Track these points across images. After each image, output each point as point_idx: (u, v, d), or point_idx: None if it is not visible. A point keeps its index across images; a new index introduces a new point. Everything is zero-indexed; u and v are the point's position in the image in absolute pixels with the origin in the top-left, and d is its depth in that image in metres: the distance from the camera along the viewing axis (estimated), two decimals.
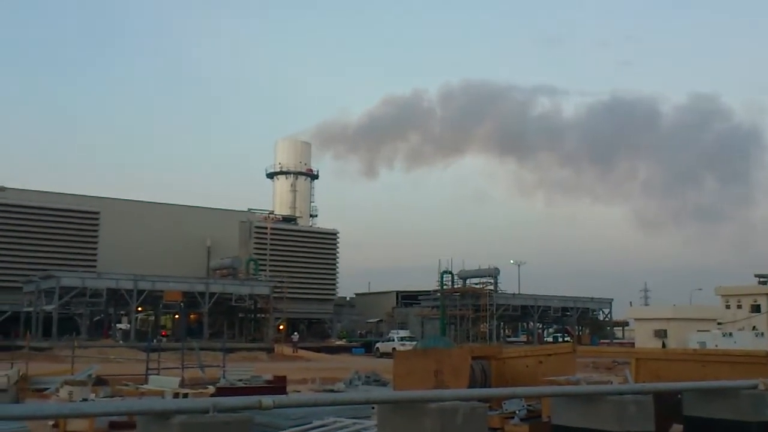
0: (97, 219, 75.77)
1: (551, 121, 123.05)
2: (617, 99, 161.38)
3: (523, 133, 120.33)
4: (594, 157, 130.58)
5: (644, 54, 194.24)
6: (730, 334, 59.31)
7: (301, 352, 61.16)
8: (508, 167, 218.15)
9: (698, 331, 62.38)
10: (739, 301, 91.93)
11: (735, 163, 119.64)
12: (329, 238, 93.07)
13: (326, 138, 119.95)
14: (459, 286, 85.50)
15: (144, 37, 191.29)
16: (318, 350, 65.36)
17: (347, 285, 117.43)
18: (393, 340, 63.59)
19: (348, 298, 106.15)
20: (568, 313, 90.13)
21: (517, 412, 15.69)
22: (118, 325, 70.94)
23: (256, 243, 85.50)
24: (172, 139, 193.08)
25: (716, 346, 45.53)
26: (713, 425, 9.98)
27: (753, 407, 9.76)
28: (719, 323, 77.43)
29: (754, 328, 74.38)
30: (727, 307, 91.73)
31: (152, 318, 75.50)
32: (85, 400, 16.27)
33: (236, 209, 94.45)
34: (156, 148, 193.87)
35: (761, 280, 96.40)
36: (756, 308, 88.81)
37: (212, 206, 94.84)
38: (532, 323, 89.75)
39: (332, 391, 22.24)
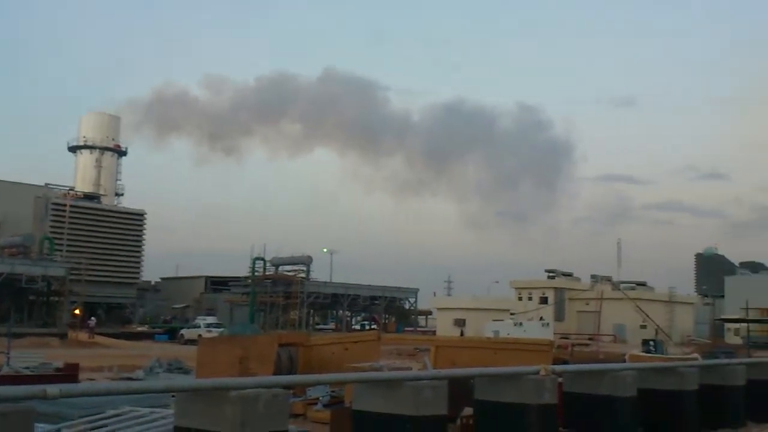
0: None
1: (380, 117, 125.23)
2: (447, 102, 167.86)
3: (344, 123, 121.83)
4: (409, 153, 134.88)
5: (473, 61, 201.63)
6: (521, 324, 63.60)
7: (99, 339, 58.12)
8: (323, 156, 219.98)
9: (493, 320, 66.29)
10: (530, 294, 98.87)
11: (546, 171, 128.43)
12: (135, 218, 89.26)
13: (147, 115, 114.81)
14: (271, 273, 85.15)
15: None
16: (118, 336, 62.46)
17: (155, 268, 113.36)
18: (199, 327, 62.29)
19: (153, 283, 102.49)
20: (377, 302, 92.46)
21: (320, 398, 15.97)
22: None
23: (52, 221, 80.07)
24: None
25: (508, 334, 48.63)
26: (499, 408, 10.67)
27: (535, 391, 10.55)
28: (512, 313, 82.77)
29: (541, 318, 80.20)
30: (520, 298, 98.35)
31: None
32: None
33: (32, 183, 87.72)
34: None
35: (550, 275, 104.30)
36: (544, 300, 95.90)
37: (3, 178, 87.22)
38: (341, 311, 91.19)
39: (130, 379, 21.40)
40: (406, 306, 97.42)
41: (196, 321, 68.49)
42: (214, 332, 52.72)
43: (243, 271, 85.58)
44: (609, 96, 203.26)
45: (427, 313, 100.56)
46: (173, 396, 10.88)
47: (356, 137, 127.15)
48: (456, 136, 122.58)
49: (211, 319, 68.66)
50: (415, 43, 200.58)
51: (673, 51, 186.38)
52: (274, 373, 15.92)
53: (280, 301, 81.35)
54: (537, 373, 10.81)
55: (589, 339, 64.90)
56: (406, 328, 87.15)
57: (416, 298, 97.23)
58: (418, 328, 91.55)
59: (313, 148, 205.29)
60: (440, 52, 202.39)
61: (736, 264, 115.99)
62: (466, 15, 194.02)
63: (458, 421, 12.46)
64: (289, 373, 17.04)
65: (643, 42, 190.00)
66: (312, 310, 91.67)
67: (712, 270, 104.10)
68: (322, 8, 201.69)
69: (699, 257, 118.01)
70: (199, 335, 50.50)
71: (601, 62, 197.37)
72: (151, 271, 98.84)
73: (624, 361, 21.97)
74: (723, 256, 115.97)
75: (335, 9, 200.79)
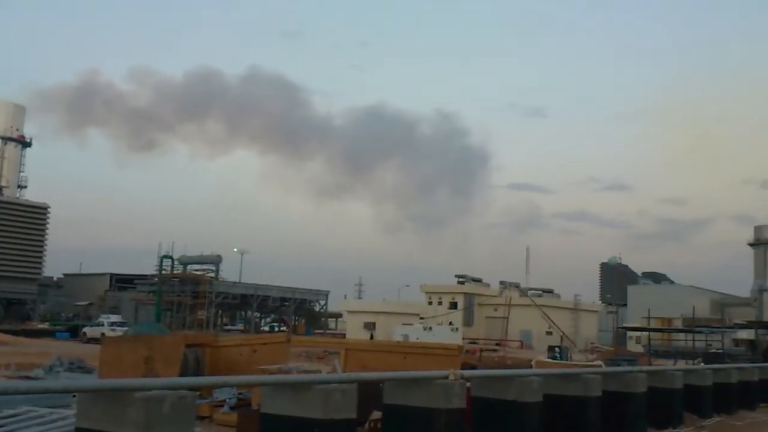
0: None
1: (300, 119, 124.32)
2: (366, 107, 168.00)
3: (264, 124, 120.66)
4: (328, 156, 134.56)
5: (391, 66, 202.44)
6: (430, 328, 64.46)
7: None
8: (243, 157, 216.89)
9: (403, 324, 66.87)
10: (440, 299, 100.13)
11: (461, 178, 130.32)
12: (38, 212, 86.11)
13: (59, 105, 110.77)
14: (179, 271, 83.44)
15: None
16: (16, 333, 59.94)
17: (58, 264, 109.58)
18: (103, 325, 60.63)
19: (56, 279, 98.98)
20: (287, 304, 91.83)
21: (227, 400, 15.69)
22: None
23: None
24: None
25: (417, 338, 49.11)
26: (408, 412, 10.70)
27: (443, 395, 10.62)
28: (422, 318, 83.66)
29: (450, 323, 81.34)
30: (430, 303, 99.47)
31: None
32: None
33: None
34: None
35: (460, 280, 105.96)
36: (454, 305, 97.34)
37: None
38: (250, 312, 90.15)
39: (29, 378, 20.54)
40: (317, 308, 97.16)
41: (100, 319, 66.51)
42: (119, 331, 51.29)
43: (150, 269, 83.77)
44: (521, 106, 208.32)
45: (338, 315, 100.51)
46: (74, 396, 10.50)
47: (275, 138, 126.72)
48: (375, 140, 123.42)
49: (115, 318, 66.85)
50: (333, 45, 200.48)
51: (580, 64, 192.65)
52: (181, 375, 15.57)
53: (187, 300, 79.85)
54: (446, 377, 10.89)
55: (497, 344, 66.30)
56: (316, 331, 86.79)
57: (327, 301, 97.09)
58: (328, 331, 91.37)
59: (233, 148, 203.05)
60: (357, 55, 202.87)
61: (639, 274, 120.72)
62: (382, 18, 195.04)
63: (367, 425, 12.44)
64: (196, 374, 16.71)
65: (553, 54, 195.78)
66: (220, 311, 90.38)
67: (615, 279, 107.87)
68: (245, 7, 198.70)
69: (604, 266, 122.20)
70: (103, 334, 49.28)
71: (514, 72, 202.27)
72: (53, 267, 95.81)
73: (531, 367, 22.46)
74: (627, 266, 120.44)
75: (256, 8, 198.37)
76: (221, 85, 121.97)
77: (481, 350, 50.38)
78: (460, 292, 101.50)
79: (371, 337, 69.22)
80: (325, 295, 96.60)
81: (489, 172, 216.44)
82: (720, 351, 47.23)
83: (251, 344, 19.41)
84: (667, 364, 35.73)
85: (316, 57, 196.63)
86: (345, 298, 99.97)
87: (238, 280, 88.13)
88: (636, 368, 20.77)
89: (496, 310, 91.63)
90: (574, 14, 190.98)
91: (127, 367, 15.68)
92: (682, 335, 55.65)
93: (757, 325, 52.49)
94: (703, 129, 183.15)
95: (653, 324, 59.39)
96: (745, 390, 22.01)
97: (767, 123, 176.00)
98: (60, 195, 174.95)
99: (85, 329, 62.49)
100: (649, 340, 55.08)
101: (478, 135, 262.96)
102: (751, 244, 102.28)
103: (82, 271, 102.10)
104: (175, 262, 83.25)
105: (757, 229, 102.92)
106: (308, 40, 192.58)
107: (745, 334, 56.51)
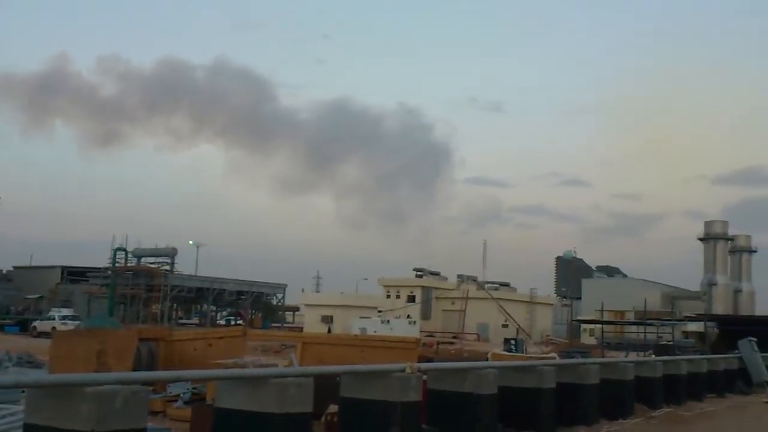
0: None
1: (264, 112, 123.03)
2: (330, 101, 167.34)
3: (226, 117, 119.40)
4: (290, 149, 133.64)
5: (353, 60, 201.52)
6: (388, 321, 64.64)
7: None
8: (203, 150, 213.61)
9: (361, 317, 66.91)
10: (398, 292, 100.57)
11: (422, 172, 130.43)
12: None
13: (14, 93, 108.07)
14: (133, 264, 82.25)
15: None
16: None
17: (7, 256, 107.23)
18: (54, 319, 59.46)
19: (5, 271, 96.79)
20: (243, 297, 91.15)
21: (181, 395, 15.52)
22: None
23: None
24: None
25: (375, 332, 49.19)
26: (365, 405, 10.70)
27: (400, 388, 10.65)
28: (380, 311, 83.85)
29: (408, 316, 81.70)
30: (388, 296, 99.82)
31: None
32: None
33: None
34: None
35: (418, 274, 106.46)
36: (412, 298, 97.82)
37: None
38: (206, 305, 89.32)
39: None
40: (274, 302, 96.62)
41: (51, 313, 65.22)
42: (70, 325, 50.36)
43: (104, 262, 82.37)
44: (481, 101, 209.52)
45: (295, 309, 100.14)
46: (23, 392, 10.27)
47: (238, 130, 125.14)
48: (339, 135, 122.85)
49: (66, 311, 65.57)
50: (296, 37, 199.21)
51: (539, 59, 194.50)
52: (134, 369, 15.36)
53: (141, 294, 78.74)
54: (403, 370, 10.92)
55: (454, 337, 66.77)
56: (273, 324, 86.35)
57: (284, 294, 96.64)
58: (285, 325, 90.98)
59: (196, 141, 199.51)
60: (320, 48, 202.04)
61: (593, 268, 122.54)
62: (343, 10, 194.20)
63: (323, 419, 12.42)
64: (150, 369, 16.50)
65: (512, 49, 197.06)
66: (175, 304, 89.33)
67: (571, 273, 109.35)
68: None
69: (559, 260, 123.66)
70: (54, 328, 48.46)
71: (474, 67, 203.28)
72: (2, 259, 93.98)
73: (486, 360, 22.64)
74: (581, 260, 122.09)
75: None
76: (184, 77, 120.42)
77: (438, 343, 50.68)
78: (417, 286, 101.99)
79: (329, 331, 69.14)
80: (283, 288, 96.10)
81: (451, 167, 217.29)
82: (670, 343, 48.20)
83: (206, 338, 19.23)
84: (619, 356, 36.35)
85: (280, 49, 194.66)
86: (303, 291, 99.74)
87: (194, 273, 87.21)
88: (589, 360, 21.12)
89: (453, 303, 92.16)
90: (533, 9, 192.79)
91: (79, 361, 15.40)
92: (634, 328, 56.68)
93: (706, 317, 53.63)
94: (657, 125, 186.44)
95: (606, 317, 60.30)
96: (693, 381, 22.52)
97: (719, 120, 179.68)
98: (11, 185, 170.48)
99: (36, 323, 61.31)
100: (602, 332, 55.94)
101: (441, 130, 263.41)
102: (701, 239, 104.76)
103: (33, 264, 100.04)
104: (129, 255, 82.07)
105: (707, 224, 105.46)
106: (272, 32, 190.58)
107: (694, 327, 57.72)
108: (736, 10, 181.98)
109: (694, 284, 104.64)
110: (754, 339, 29.67)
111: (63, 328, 43.69)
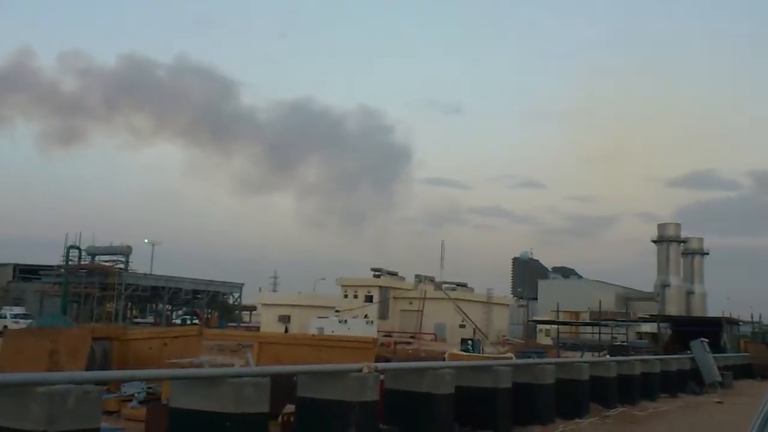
0: None
1: (225, 111, 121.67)
2: (290, 101, 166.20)
3: (187, 115, 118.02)
4: (251, 149, 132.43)
5: (313, 60, 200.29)
6: (346, 321, 64.44)
7: None
8: (163, 149, 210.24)
9: (318, 317, 66.62)
10: (356, 292, 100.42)
11: (382, 173, 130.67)
12: None
13: None
14: (87, 262, 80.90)
15: None
16: None
17: None
18: (5, 318, 58.31)
19: None
20: (199, 296, 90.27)
21: (136, 395, 15.32)
22: None
23: None
24: None
25: (332, 331, 49.04)
26: (322, 405, 10.67)
27: (357, 388, 10.64)
28: (337, 311, 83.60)
29: (366, 316, 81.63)
30: (346, 296, 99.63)
31: None
32: None
33: None
34: None
35: (376, 273, 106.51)
36: (369, 298, 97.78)
37: None
38: (161, 305, 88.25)
39: None
40: (231, 301, 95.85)
41: (2, 311, 63.85)
42: (22, 323, 49.40)
43: (56, 260, 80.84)
44: (441, 103, 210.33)
45: (252, 308, 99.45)
46: None
47: (198, 129, 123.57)
48: (299, 135, 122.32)
49: (18, 310, 64.39)
50: (257, 35, 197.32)
51: (496, 62, 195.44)
52: (87, 369, 15.11)
53: (95, 292, 77.52)
54: (360, 370, 10.91)
55: (411, 337, 66.85)
56: (230, 324, 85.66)
57: (241, 294, 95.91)
58: (242, 324, 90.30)
59: (154, 139, 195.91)
60: (280, 48, 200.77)
61: (549, 269, 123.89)
62: (302, 10, 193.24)
63: (280, 419, 12.35)
64: (103, 368, 16.25)
65: (471, 51, 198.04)
66: (130, 303, 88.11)
67: (527, 274, 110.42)
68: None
69: (516, 261, 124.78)
70: (5, 326, 47.58)
71: (434, 69, 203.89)
72: None
73: (444, 360, 22.75)
74: (538, 261, 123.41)
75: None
76: (145, 74, 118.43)
77: (396, 343, 50.77)
78: (375, 286, 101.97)
79: (286, 330, 68.75)
80: (240, 287, 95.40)
81: (410, 168, 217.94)
82: (624, 344, 48.93)
83: (162, 337, 19.02)
84: (574, 357, 36.80)
85: (241, 48, 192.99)
86: (260, 291, 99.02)
87: (149, 272, 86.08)
88: (545, 360, 21.37)
89: (411, 303, 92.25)
90: (493, 12, 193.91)
91: (30, 360, 15.10)
92: (589, 328, 57.37)
93: (659, 318, 54.63)
94: (610, 128, 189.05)
95: (562, 317, 61.04)
96: (647, 381, 22.93)
97: (671, 123, 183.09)
98: None
99: None
100: (558, 333, 56.57)
101: (401, 131, 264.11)
102: (654, 241, 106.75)
103: None
104: (83, 253, 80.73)
105: (661, 226, 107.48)
106: (232, 31, 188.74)
107: (648, 328, 58.74)
108: (686, 15, 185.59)
109: (647, 285, 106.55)
110: (706, 340, 30.31)
111: (14, 326, 42.85)
